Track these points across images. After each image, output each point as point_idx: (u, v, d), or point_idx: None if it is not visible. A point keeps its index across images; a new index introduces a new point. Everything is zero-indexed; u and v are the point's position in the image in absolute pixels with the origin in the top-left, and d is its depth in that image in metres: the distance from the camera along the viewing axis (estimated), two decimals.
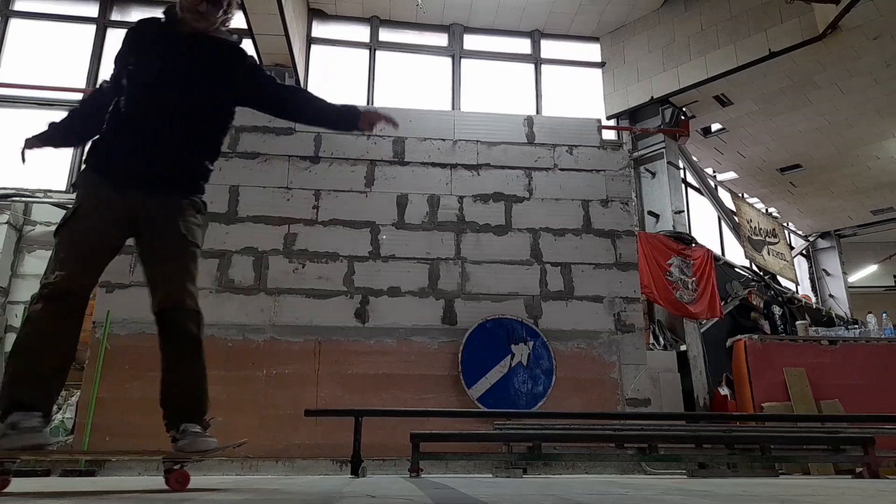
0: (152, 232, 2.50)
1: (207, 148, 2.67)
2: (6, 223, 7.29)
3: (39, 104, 8.51)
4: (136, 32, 2.65)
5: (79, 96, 8.54)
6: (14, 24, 8.91)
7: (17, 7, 8.97)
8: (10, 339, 6.73)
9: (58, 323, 2.32)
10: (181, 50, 2.57)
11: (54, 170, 8.16)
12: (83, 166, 2.59)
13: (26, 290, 7.33)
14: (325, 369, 5.95)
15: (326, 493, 2.20)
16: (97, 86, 2.83)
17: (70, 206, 2.52)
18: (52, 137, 2.74)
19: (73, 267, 2.36)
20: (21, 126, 8.38)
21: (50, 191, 7.85)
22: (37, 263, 7.44)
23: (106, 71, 8.73)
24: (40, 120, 8.82)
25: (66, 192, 7.96)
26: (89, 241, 2.42)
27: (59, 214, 7.54)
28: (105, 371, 5.42)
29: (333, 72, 9.50)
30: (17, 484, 2.29)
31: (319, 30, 9.62)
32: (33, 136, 2.72)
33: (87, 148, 2.60)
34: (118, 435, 5.42)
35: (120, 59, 2.64)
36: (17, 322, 6.53)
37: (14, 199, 7.53)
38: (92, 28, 8.99)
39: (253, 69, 2.72)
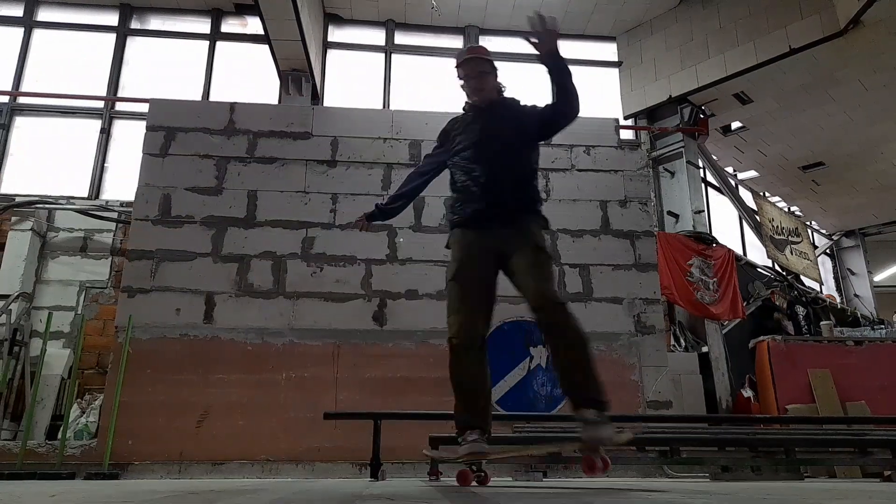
0: (517, 253, 3.05)
1: (532, 176, 3.27)
2: (30, 230, 7.40)
3: (63, 112, 8.65)
4: (452, 124, 3.50)
5: (100, 104, 8.67)
6: (37, 34, 9.06)
7: (40, 17, 9.14)
8: (36, 343, 6.84)
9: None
10: (490, 118, 3.29)
11: (76, 177, 8.28)
12: (451, 227, 3.35)
13: (50, 295, 7.44)
14: (343, 372, 5.96)
15: (346, 495, 2.20)
16: (414, 171, 3.62)
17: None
18: (377, 216, 3.53)
19: (466, 316, 3.25)
20: (44, 134, 8.53)
21: (73, 198, 7.97)
22: (60, 269, 7.55)
23: (127, 79, 8.91)
24: (63, 128, 8.79)
25: (87, 198, 8.07)
26: (475, 289, 3.23)
27: (82, 221, 7.68)
28: (127, 375, 5.47)
29: (350, 75, 9.54)
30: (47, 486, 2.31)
31: (336, 34, 9.68)
32: (368, 214, 3.51)
33: (449, 214, 3.41)
34: (141, 438, 5.48)
35: (439, 147, 3.50)
36: (41, 327, 6.62)
37: (38, 205, 7.66)
38: (112, 37, 9.13)
39: (531, 111, 3.28)
